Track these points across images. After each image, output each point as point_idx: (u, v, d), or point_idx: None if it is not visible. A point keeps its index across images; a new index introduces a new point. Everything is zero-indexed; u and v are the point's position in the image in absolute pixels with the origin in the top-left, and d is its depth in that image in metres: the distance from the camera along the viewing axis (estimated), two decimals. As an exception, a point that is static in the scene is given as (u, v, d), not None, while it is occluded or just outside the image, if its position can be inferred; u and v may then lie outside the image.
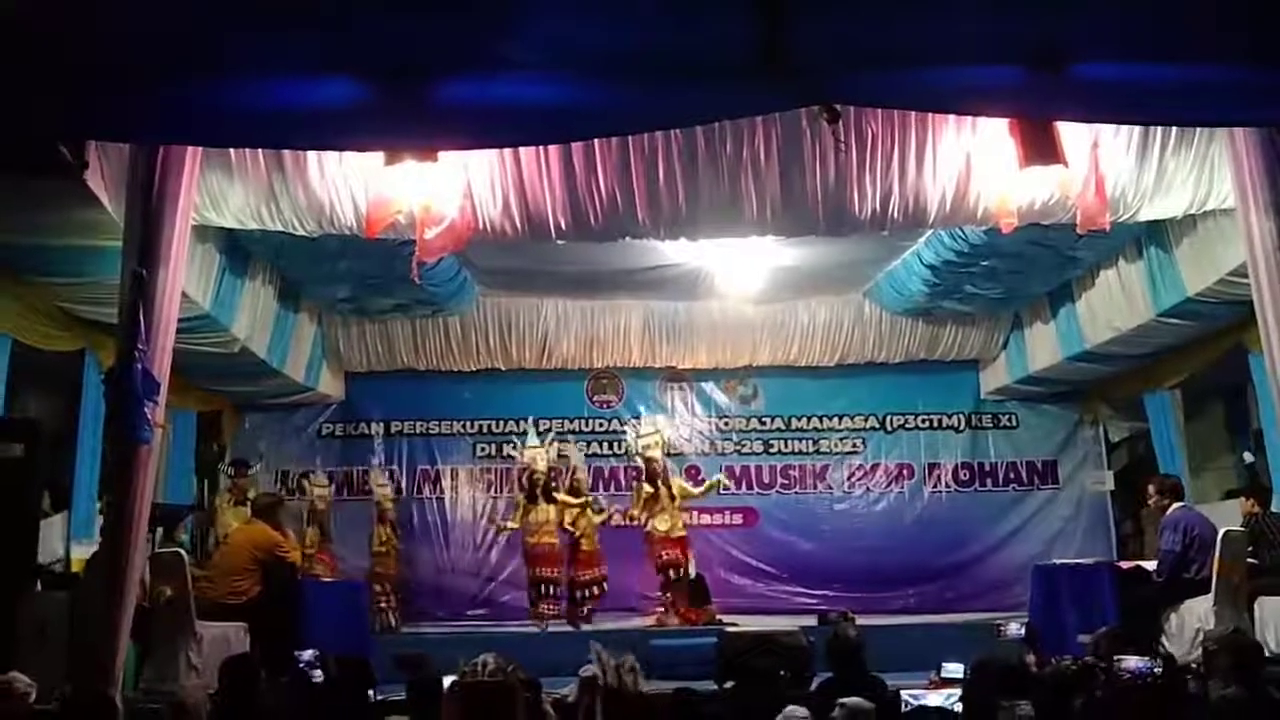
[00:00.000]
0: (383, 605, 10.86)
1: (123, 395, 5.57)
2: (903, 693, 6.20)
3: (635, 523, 10.96)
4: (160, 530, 9.43)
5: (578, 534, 10.85)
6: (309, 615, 8.32)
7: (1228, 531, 7.99)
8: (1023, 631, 7.60)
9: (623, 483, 12.47)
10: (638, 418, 12.43)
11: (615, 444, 12.60)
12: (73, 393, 8.39)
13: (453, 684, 5.04)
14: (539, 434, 11.28)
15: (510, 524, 11.02)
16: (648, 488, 10.87)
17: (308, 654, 6.88)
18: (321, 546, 10.94)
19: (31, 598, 7.10)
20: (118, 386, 5.59)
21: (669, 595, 10.76)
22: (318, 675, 6.43)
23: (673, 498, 10.83)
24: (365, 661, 6.95)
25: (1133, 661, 5.15)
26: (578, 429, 12.53)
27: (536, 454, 11.03)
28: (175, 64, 4.58)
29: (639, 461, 11.09)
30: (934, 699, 6.27)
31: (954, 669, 6.77)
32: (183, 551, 8.06)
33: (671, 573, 10.70)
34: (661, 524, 10.76)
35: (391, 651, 7.65)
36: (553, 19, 4.43)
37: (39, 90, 4.51)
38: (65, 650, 6.16)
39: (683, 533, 10.88)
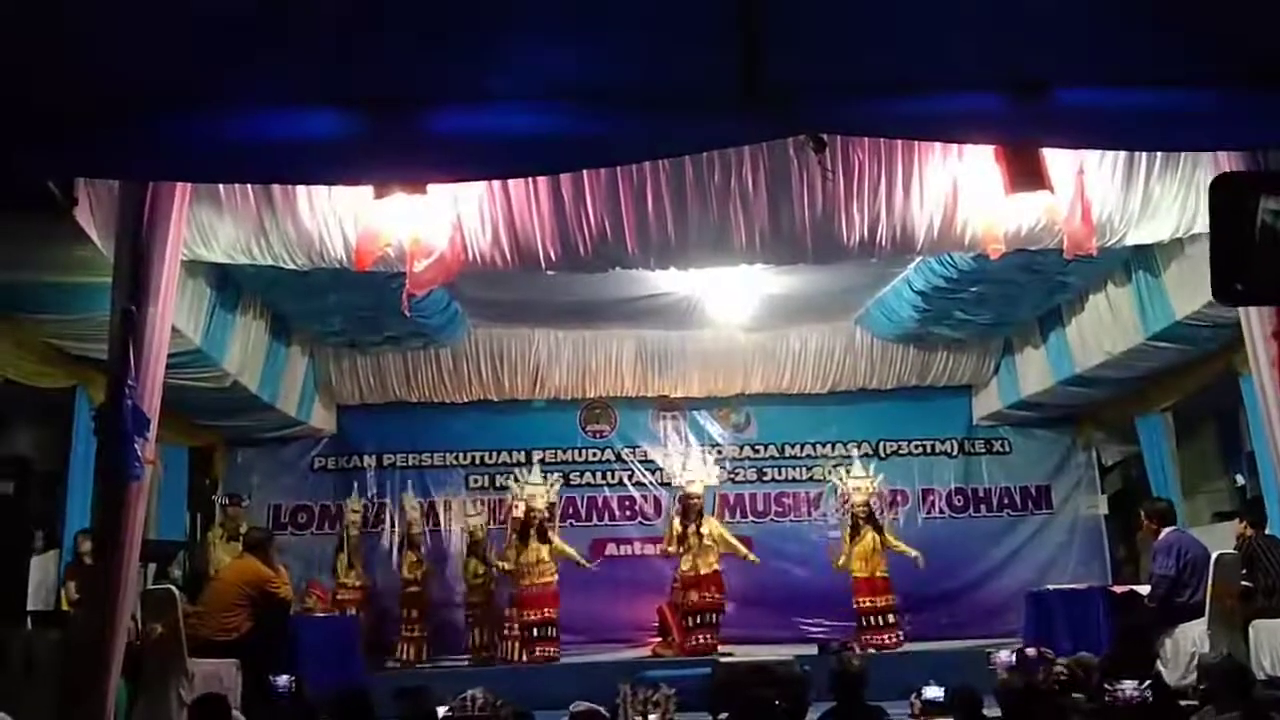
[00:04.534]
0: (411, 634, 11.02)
1: (113, 432, 5.55)
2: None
3: (669, 558, 11.05)
4: (153, 566, 9.41)
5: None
6: (302, 651, 8.29)
7: (1220, 555, 7.97)
8: (1014, 659, 7.59)
9: (616, 513, 12.51)
10: (633, 448, 12.53)
11: (609, 474, 12.64)
12: (64, 430, 8.37)
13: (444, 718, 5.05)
14: (543, 471, 11.25)
15: (504, 564, 10.95)
16: (678, 526, 10.83)
17: (283, 679, 6.93)
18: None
19: (21, 636, 7.06)
20: (108, 423, 5.57)
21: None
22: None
23: (701, 537, 10.71)
24: (364, 692, 6.90)
25: (1129, 687, 5.16)
26: (571, 459, 12.56)
27: (537, 491, 10.96)
28: (162, 100, 4.59)
29: (678, 492, 11.23)
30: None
31: (934, 692, 6.78)
32: (174, 588, 8.02)
33: (702, 617, 10.55)
34: (686, 563, 10.71)
35: (391, 685, 7.63)
36: (538, 53, 4.45)
37: (26, 127, 4.52)
38: (55, 689, 6.11)
39: (715, 568, 10.72)
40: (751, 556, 11.05)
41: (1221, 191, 3.97)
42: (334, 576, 11.24)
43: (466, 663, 10.84)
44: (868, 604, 10.76)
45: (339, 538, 11.50)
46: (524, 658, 10.50)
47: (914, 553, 10.99)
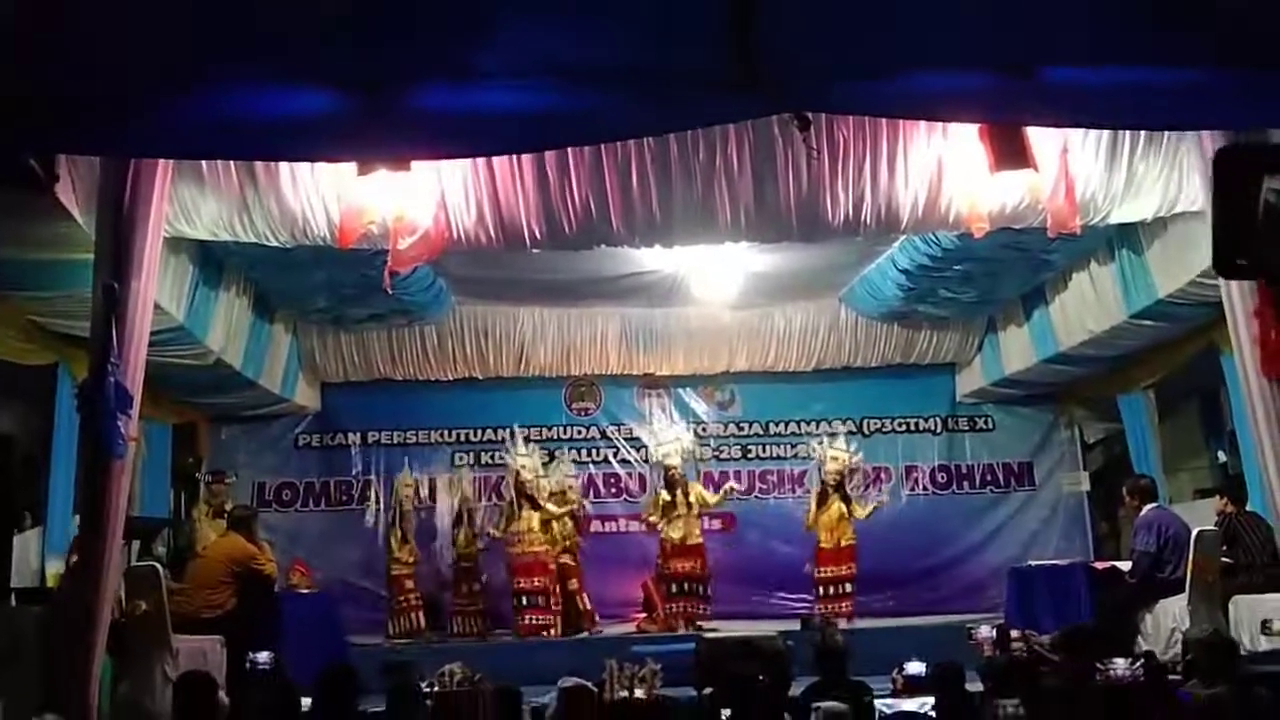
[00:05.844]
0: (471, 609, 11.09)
1: (96, 409, 5.53)
2: (877, 703, 6.26)
3: (651, 529, 11.13)
4: (137, 543, 9.40)
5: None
6: (286, 627, 8.30)
7: (1201, 531, 8.04)
8: (994, 633, 7.66)
9: (601, 490, 12.54)
10: (618, 425, 12.56)
11: (594, 451, 12.66)
12: (47, 408, 8.33)
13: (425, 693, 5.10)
14: (525, 441, 11.28)
15: (494, 532, 11.00)
16: (665, 495, 10.94)
17: (263, 656, 6.97)
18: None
19: (5, 613, 7.05)
20: (91, 400, 5.55)
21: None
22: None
23: (689, 505, 10.85)
24: (349, 669, 6.92)
25: (1120, 665, 5.19)
26: (557, 436, 12.57)
27: (524, 461, 10.97)
28: (146, 77, 4.56)
29: (658, 468, 11.36)
30: (909, 705, 6.34)
31: (916, 667, 6.85)
32: (159, 565, 8.00)
33: (686, 585, 10.71)
34: (675, 532, 10.81)
35: (377, 661, 7.67)
36: (525, 30, 4.42)
37: (7, 103, 4.49)
38: (39, 666, 6.11)
39: (699, 540, 10.91)
40: (731, 484, 11.48)
41: (1225, 165, 3.95)
42: (387, 552, 11.13)
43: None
44: (828, 573, 10.87)
45: (392, 514, 11.37)
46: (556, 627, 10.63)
47: (872, 506, 11.14)
